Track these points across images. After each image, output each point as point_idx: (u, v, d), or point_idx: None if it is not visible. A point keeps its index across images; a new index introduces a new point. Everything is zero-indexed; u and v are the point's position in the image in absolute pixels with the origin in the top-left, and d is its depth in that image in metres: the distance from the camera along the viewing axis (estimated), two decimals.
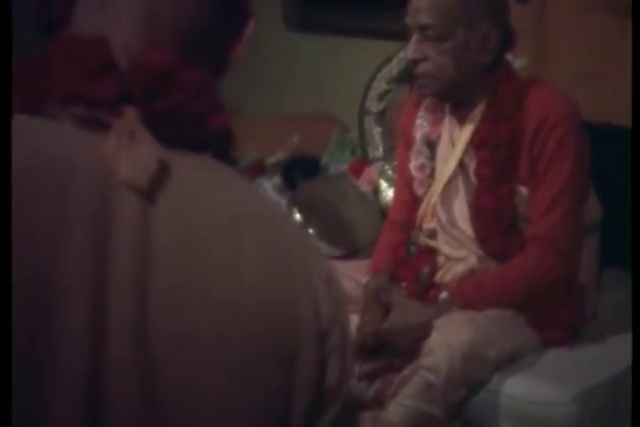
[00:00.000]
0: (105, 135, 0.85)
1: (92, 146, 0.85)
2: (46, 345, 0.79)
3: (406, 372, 2.28)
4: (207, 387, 0.84)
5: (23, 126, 0.84)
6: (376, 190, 3.26)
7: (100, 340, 0.81)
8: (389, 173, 3.24)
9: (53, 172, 0.83)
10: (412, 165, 2.55)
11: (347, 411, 0.92)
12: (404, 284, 2.53)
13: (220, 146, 0.92)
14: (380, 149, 3.43)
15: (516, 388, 2.28)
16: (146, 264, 0.83)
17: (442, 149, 2.51)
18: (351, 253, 3.02)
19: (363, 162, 3.42)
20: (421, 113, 2.57)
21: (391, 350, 2.38)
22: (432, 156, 2.53)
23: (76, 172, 0.83)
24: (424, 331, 2.29)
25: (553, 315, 2.44)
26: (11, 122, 0.83)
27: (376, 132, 3.43)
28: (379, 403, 2.33)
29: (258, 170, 3.32)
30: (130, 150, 0.84)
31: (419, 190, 2.56)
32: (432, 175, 2.53)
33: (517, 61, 2.79)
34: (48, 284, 0.80)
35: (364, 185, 3.28)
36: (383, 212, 3.00)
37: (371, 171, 3.31)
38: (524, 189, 2.37)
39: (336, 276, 0.94)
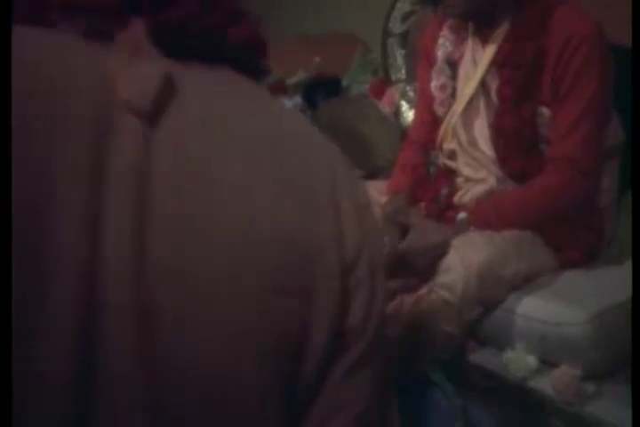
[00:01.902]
0: (108, 50, 0.77)
1: (95, 62, 0.76)
2: (40, 275, 0.72)
3: (423, 290, 2.30)
4: (212, 321, 0.76)
5: (23, 40, 0.76)
6: (397, 111, 3.25)
7: (97, 269, 0.73)
8: (411, 94, 3.22)
9: (52, 95, 0.75)
10: (433, 84, 2.54)
11: (374, 353, 0.85)
12: (423, 204, 2.53)
13: (244, 58, 0.83)
14: (403, 71, 3.41)
15: (532, 307, 2.28)
16: (146, 192, 0.75)
17: (464, 69, 2.50)
18: (371, 173, 3.01)
19: (384, 83, 3.40)
20: (444, 32, 2.55)
21: (409, 269, 2.38)
22: (453, 75, 2.51)
23: (76, 94, 0.75)
24: (441, 250, 2.29)
25: (571, 236, 2.44)
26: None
27: (399, 54, 3.40)
28: (395, 321, 2.34)
29: (278, 90, 3.30)
30: (132, 67, 0.75)
31: (439, 110, 2.55)
32: (453, 95, 2.52)
33: None
34: (43, 212, 0.73)
35: (384, 106, 3.26)
36: (403, 133, 2.99)
37: (392, 92, 3.29)
38: (546, 110, 2.36)
39: (369, 205, 0.87)
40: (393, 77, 3.40)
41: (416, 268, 2.37)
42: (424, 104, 2.62)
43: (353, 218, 0.83)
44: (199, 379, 0.76)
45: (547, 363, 2.24)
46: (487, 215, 2.39)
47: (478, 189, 2.50)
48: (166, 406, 0.75)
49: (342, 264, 0.82)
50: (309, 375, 0.82)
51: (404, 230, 2.42)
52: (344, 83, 3.43)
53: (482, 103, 2.46)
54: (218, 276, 0.76)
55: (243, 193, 0.78)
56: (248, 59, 0.85)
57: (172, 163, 0.76)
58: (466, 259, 2.23)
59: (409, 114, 3.16)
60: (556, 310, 2.25)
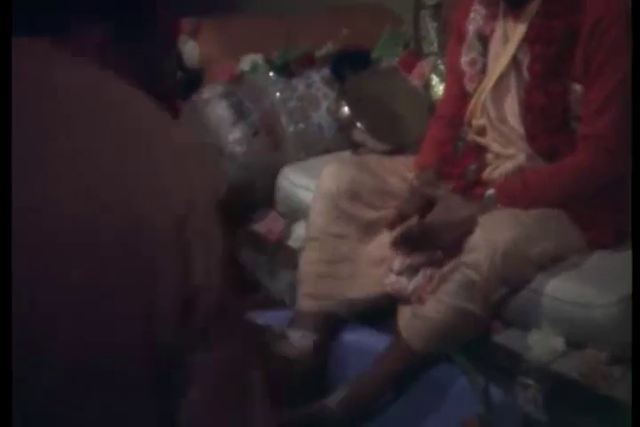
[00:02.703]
0: None
1: None
2: None
3: (447, 268, 2.27)
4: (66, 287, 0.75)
5: None
6: (427, 85, 3.19)
7: None
8: (441, 67, 3.16)
9: None
10: (463, 59, 2.51)
11: (225, 311, 0.80)
12: (450, 180, 2.50)
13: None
14: (435, 45, 3.35)
15: (559, 288, 2.25)
16: None
17: (494, 45, 2.46)
18: (399, 148, 2.97)
19: (415, 56, 3.34)
20: (476, 6, 2.51)
21: (433, 244, 2.35)
22: (484, 51, 2.48)
23: None
24: (467, 226, 2.26)
25: (600, 216, 2.40)
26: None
27: (431, 26, 3.34)
28: (418, 298, 2.32)
29: (307, 62, 3.25)
30: None
31: (469, 86, 2.51)
32: (483, 71, 2.48)
33: None
34: None
35: (414, 80, 3.21)
36: (433, 107, 2.94)
37: (423, 65, 3.23)
38: (578, 87, 2.32)
39: (191, 146, 0.82)
40: (425, 50, 3.34)
41: (440, 243, 2.34)
42: (453, 79, 2.59)
43: (173, 165, 0.80)
44: (58, 346, 0.75)
45: (573, 345, 2.21)
46: (514, 192, 2.35)
47: (507, 166, 2.46)
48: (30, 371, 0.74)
49: (172, 220, 0.78)
50: (165, 342, 0.79)
51: (431, 205, 2.39)
52: (374, 55, 3.37)
53: (512, 79, 2.43)
54: (66, 246, 0.75)
55: (72, 167, 0.76)
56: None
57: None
58: (492, 238, 2.19)
59: (439, 88, 3.10)
60: (584, 291, 2.22)
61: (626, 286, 2.19)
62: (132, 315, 0.77)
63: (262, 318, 2.22)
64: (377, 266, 2.46)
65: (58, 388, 0.75)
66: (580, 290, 2.22)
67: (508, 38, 2.41)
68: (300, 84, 3.16)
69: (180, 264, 0.78)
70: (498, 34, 2.45)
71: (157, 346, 0.78)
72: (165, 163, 0.79)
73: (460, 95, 2.56)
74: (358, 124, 3.02)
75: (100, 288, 0.76)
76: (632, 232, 1.71)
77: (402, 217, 2.39)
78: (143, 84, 0.91)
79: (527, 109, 2.38)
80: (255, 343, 0.87)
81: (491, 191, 2.37)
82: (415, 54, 3.35)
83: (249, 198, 3.05)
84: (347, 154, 3.03)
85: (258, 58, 3.22)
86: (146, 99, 0.84)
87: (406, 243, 2.37)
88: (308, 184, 2.79)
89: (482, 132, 2.52)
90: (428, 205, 2.38)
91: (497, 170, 2.47)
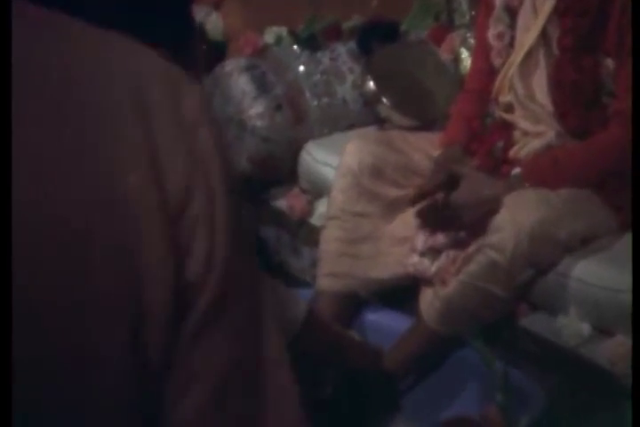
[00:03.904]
0: None
1: None
2: None
3: (471, 249, 2.21)
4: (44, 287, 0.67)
5: None
6: (456, 59, 3.11)
7: None
8: (471, 41, 3.08)
9: None
10: (491, 32, 2.44)
11: (229, 307, 0.72)
12: (477, 158, 2.43)
13: None
14: (467, 17, 3.27)
15: (588, 272, 2.19)
16: None
17: (523, 17, 2.38)
18: (426, 124, 2.89)
19: (445, 29, 3.26)
20: None
21: (457, 223, 2.29)
22: (512, 24, 2.41)
23: None
24: (492, 206, 2.20)
25: (632, 197, 2.32)
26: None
27: None
28: (441, 280, 2.26)
29: (333, 34, 3.19)
30: None
31: (496, 60, 2.45)
32: (511, 45, 2.42)
33: None
34: None
35: (444, 53, 3.13)
36: (462, 82, 2.87)
37: (452, 38, 3.15)
38: (610, 62, 2.25)
39: (200, 122, 0.71)
40: (457, 22, 3.27)
41: (464, 221, 2.28)
42: (481, 53, 2.53)
43: (174, 144, 0.70)
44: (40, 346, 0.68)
45: (601, 331, 2.16)
46: (543, 171, 2.29)
47: (536, 144, 2.40)
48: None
49: (166, 209, 0.69)
50: (157, 344, 0.70)
51: (456, 183, 2.32)
52: (403, 28, 3.30)
53: (541, 54, 2.36)
54: (39, 241, 0.67)
55: (32, 149, 0.66)
56: None
57: None
58: (517, 218, 2.13)
59: (469, 62, 3.02)
60: (614, 275, 2.16)
61: None
62: (118, 314, 0.69)
63: None
64: (400, 245, 2.41)
65: (39, 385, 0.68)
66: (609, 274, 2.16)
67: (538, 10, 2.34)
68: (324, 58, 3.09)
69: (173, 258, 0.69)
70: (527, 6, 2.37)
71: (148, 345, 0.71)
72: (164, 132, 0.70)
73: (487, 69, 2.50)
74: (384, 99, 2.95)
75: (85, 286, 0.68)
76: (632, 233, 1.65)
77: (425, 193, 2.32)
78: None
79: (557, 85, 2.31)
80: (276, 335, 0.77)
81: (517, 170, 2.31)
82: (445, 27, 3.28)
83: (271, 174, 3.00)
84: (372, 129, 2.97)
85: (282, 30, 3.16)
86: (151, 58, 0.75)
87: (429, 219, 2.30)
88: (331, 160, 2.73)
89: (509, 108, 2.46)
90: (452, 182, 2.31)
91: (525, 148, 2.41)
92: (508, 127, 2.46)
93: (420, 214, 2.33)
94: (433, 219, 2.32)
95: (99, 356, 0.69)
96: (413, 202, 2.34)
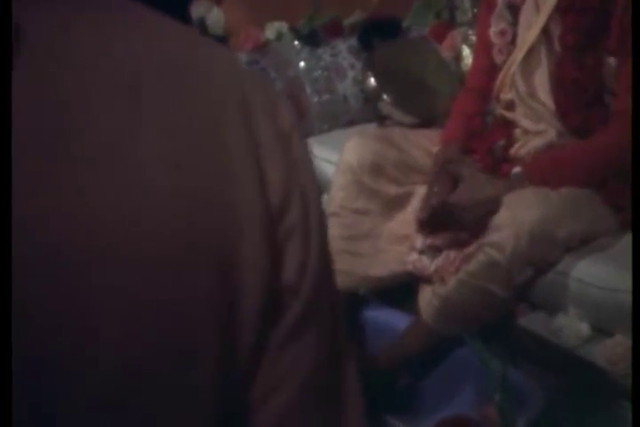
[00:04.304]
0: None
1: None
2: None
3: (471, 248, 2.20)
4: (110, 296, 0.64)
5: None
6: (458, 56, 3.10)
7: None
8: (473, 38, 3.07)
9: None
10: (492, 30, 2.43)
11: (316, 313, 0.72)
12: (477, 156, 2.42)
13: None
14: (469, 14, 3.26)
15: (586, 271, 2.18)
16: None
17: (525, 15, 2.37)
18: (426, 121, 2.88)
19: (447, 26, 3.26)
20: None
21: (457, 223, 2.28)
22: (514, 21, 2.40)
23: None
24: (492, 206, 2.19)
25: (633, 197, 2.31)
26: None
27: None
28: (440, 278, 2.26)
29: (334, 30, 3.18)
30: None
31: (498, 58, 2.44)
32: (513, 42, 2.40)
33: None
34: None
35: (445, 50, 3.12)
36: (463, 79, 2.86)
37: (454, 35, 3.14)
38: (612, 60, 2.24)
39: (295, 131, 0.70)
40: (458, 20, 3.26)
41: (464, 222, 2.27)
42: (483, 50, 2.52)
43: (275, 152, 0.68)
44: (106, 363, 0.65)
45: (600, 331, 2.15)
46: (544, 170, 2.28)
47: (537, 142, 2.39)
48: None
49: (267, 213, 0.68)
50: (247, 347, 0.70)
51: (455, 182, 2.32)
52: (404, 24, 3.29)
53: (543, 52, 2.35)
54: (110, 246, 0.64)
55: (127, 142, 0.64)
56: None
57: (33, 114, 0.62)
58: (517, 217, 2.12)
59: (470, 59, 3.01)
60: (614, 275, 2.15)
61: None
62: (216, 316, 0.68)
63: None
64: (399, 243, 2.40)
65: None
66: (608, 274, 2.15)
67: (540, 8, 2.33)
68: (325, 54, 3.09)
69: (268, 263, 0.69)
70: (529, 3, 2.36)
71: (236, 347, 0.70)
72: (265, 137, 0.68)
73: (489, 67, 2.49)
74: (385, 96, 2.94)
75: (159, 298, 0.66)
76: (632, 233, 1.65)
77: (427, 203, 2.32)
78: None
79: (558, 83, 2.30)
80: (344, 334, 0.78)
81: (517, 169, 2.30)
82: (447, 24, 3.27)
83: None
84: (372, 126, 2.96)
85: (283, 26, 3.15)
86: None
87: (428, 223, 2.30)
88: (331, 157, 2.72)
89: (510, 106, 2.45)
90: (452, 182, 2.31)
91: (525, 146, 2.41)
92: (508, 125, 2.45)
93: (421, 221, 2.32)
94: (434, 222, 2.31)
95: (196, 357, 0.68)
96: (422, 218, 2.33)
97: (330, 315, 0.75)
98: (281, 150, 0.69)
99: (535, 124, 2.41)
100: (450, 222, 2.29)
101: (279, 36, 3.13)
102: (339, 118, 3.05)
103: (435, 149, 2.49)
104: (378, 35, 3.14)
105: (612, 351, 2.06)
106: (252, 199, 0.67)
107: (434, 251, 2.31)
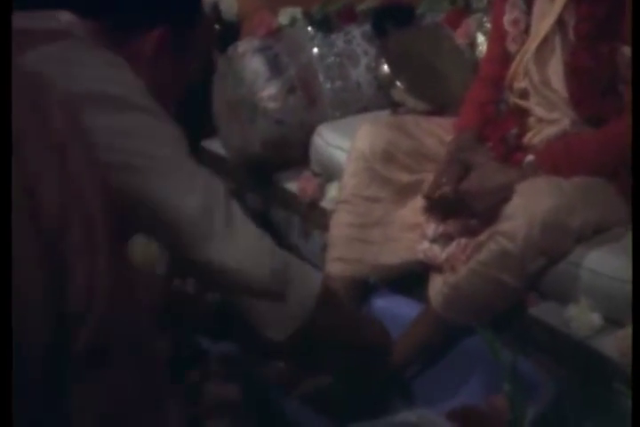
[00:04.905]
0: None
1: None
2: None
3: (482, 237, 2.19)
4: None
5: None
6: (472, 44, 3.08)
7: None
8: (488, 25, 3.04)
9: None
10: (506, 18, 2.41)
11: (111, 345, 0.69)
12: (490, 144, 2.40)
13: None
14: (485, 1, 3.23)
15: (599, 261, 2.17)
16: None
17: (539, 4, 2.35)
18: (439, 109, 2.87)
19: (461, 13, 3.22)
20: None
21: (468, 211, 2.27)
22: (528, 10, 2.38)
23: None
24: (503, 194, 2.17)
25: None
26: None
27: None
28: (451, 267, 2.25)
29: (348, 16, 3.15)
30: None
31: (511, 46, 2.42)
32: (527, 31, 2.38)
33: None
34: None
35: (459, 37, 3.09)
36: (477, 67, 2.84)
37: (469, 22, 3.12)
38: (627, 49, 2.21)
39: (80, 136, 0.67)
40: (473, 7, 3.23)
41: (475, 210, 2.26)
42: (496, 39, 2.49)
43: (47, 169, 0.64)
44: None
45: (612, 322, 2.14)
46: (557, 159, 2.26)
47: (550, 131, 2.37)
48: None
49: (41, 236, 0.64)
50: (35, 371, 0.67)
51: (468, 170, 2.30)
52: (418, 11, 3.26)
53: (557, 41, 2.33)
54: None
55: None
56: None
57: None
58: (529, 206, 2.11)
59: (484, 47, 2.99)
60: (626, 265, 2.11)
61: None
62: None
63: None
64: (410, 231, 2.39)
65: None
66: (620, 264, 2.13)
67: None
68: (338, 40, 3.06)
69: (48, 289, 0.65)
70: None
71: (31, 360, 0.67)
72: (34, 151, 0.65)
73: (502, 55, 2.47)
74: (398, 83, 2.92)
75: None
76: (633, 240, 1.64)
77: (438, 184, 2.30)
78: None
79: (572, 72, 2.28)
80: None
81: (530, 157, 2.28)
82: (462, 11, 3.24)
83: (283, 156, 2.98)
84: (385, 113, 2.94)
85: (297, 11, 3.12)
86: None
87: (440, 211, 2.29)
88: (343, 144, 2.71)
89: (524, 95, 2.43)
90: (464, 170, 2.29)
91: (539, 135, 2.39)
92: (522, 114, 2.43)
93: (430, 207, 2.31)
94: (443, 210, 2.30)
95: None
96: (428, 197, 2.32)
97: (134, 360, 0.71)
98: (53, 167, 0.64)
99: (549, 112, 2.39)
100: (460, 210, 2.27)
101: (293, 22, 3.11)
102: (351, 105, 3.03)
103: (447, 137, 2.47)
104: (391, 21, 3.11)
105: (622, 342, 2.04)
106: (22, 222, 0.63)
107: (445, 239, 2.30)
